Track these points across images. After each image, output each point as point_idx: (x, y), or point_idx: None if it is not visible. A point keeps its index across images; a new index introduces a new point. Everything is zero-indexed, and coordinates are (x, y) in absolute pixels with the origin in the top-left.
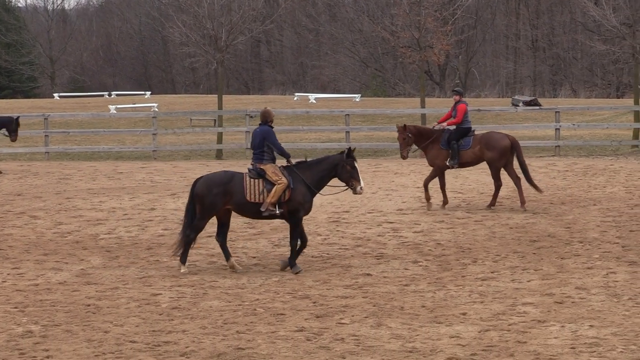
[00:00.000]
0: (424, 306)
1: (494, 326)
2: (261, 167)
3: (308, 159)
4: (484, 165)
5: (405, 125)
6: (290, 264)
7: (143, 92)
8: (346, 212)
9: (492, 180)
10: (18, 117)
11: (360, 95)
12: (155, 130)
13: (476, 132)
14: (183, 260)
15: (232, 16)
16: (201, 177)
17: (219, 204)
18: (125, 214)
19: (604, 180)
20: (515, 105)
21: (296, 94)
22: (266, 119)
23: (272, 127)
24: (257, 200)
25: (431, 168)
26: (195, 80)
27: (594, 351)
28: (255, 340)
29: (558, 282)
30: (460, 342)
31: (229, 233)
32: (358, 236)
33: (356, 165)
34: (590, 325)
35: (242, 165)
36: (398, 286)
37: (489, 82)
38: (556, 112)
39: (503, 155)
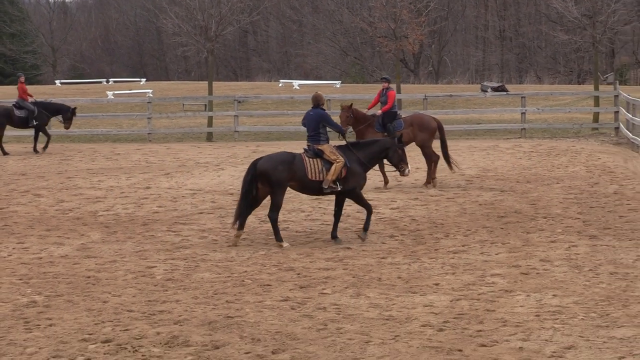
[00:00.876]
0: (399, 277)
1: (464, 296)
2: (319, 147)
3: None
4: (455, 145)
5: (351, 104)
6: (365, 227)
7: (139, 79)
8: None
9: (427, 159)
10: (75, 108)
11: (340, 81)
12: (150, 115)
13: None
14: (279, 238)
15: (222, 8)
16: (259, 158)
17: (285, 180)
18: (123, 192)
19: (566, 160)
20: (484, 91)
21: (281, 80)
22: (318, 103)
23: (325, 110)
24: (317, 178)
25: None
26: (187, 68)
27: (557, 318)
28: (244, 309)
29: (524, 254)
30: (433, 310)
31: (219, 210)
32: None
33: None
34: (553, 295)
35: (231, 146)
36: (376, 259)
37: (459, 69)
38: (522, 97)
39: (432, 135)
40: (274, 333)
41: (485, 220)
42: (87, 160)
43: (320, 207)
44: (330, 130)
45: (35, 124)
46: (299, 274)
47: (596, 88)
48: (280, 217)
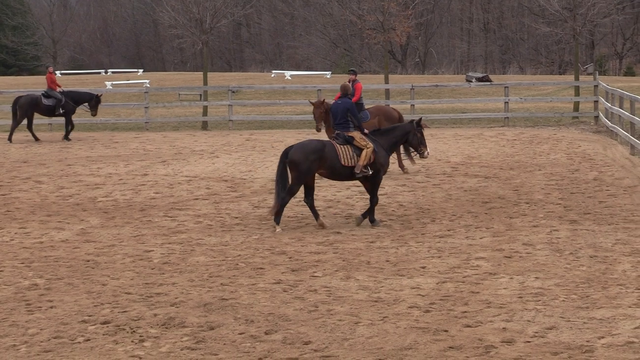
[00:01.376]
0: (388, 261)
1: (450, 278)
2: (349, 134)
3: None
4: (441, 133)
5: (324, 100)
6: (371, 219)
7: (136, 70)
8: (318, 177)
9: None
10: (100, 95)
11: (330, 72)
12: (147, 104)
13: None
14: (277, 221)
15: (216, 1)
16: (291, 146)
17: (314, 169)
18: (121, 179)
19: (547, 148)
20: (469, 81)
21: (273, 71)
22: (346, 92)
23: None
24: (349, 164)
25: None
26: (183, 59)
27: (539, 300)
28: (238, 292)
29: (507, 238)
30: (420, 292)
31: (213, 196)
32: (329, 198)
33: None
34: (535, 277)
35: (225, 135)
36: (365, 243)
37: (445, 60)
38: (505, 87)
39: None
40: (267, 314)
41: (470, 205)
42: (87, 148)
43: None
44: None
45: (61, 112)
46: (290, 258)
47: (576, 78)
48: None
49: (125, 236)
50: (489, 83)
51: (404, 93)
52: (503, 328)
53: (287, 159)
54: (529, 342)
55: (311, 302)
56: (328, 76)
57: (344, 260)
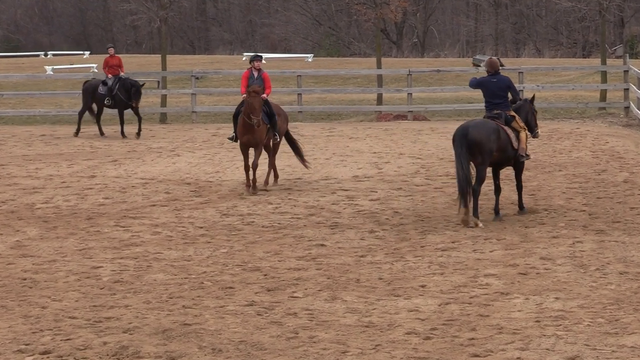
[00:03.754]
0: (381, 278)
1: (454, 299)
2: (511, 114)
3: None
4: (443, 127)
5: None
6: (521, 206)
7: (81, 52)
8: (298, 179)
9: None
10: (144, 83)
11: (312, 55)
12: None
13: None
14: (476, 215)
15: None
16: (463, 128)
17: (494, 150)
18: (63, 182)
19: (569, 144)
20: (476, 65)
21: (245, 53)
22: (497, 68)
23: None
24: (515, 147)
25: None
26: (137, 39)
27: (560, 324)
28: (203, 316)
29: (522, 252)
30: (419, 316)
31: (174, 202)
32: (311, 204)
33: None
34: (555, 298)
35: (188, 129)
36: (354, 257)
37: (448, 41)
38: (519, 72)
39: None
40: (238, 342)
41: (479, 213)
42: (23, 145)
43: (290, 199)
44: None
45: (109, 102)
46: (265, 275)
47: (603, 62)
48: (244, 209)
49: (69, 250)
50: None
51: (400, 79)
52: (517, 358)
53: (469, 140)
54: None
55: (290, 327)
56: (309, 60)
57: (328, 278)
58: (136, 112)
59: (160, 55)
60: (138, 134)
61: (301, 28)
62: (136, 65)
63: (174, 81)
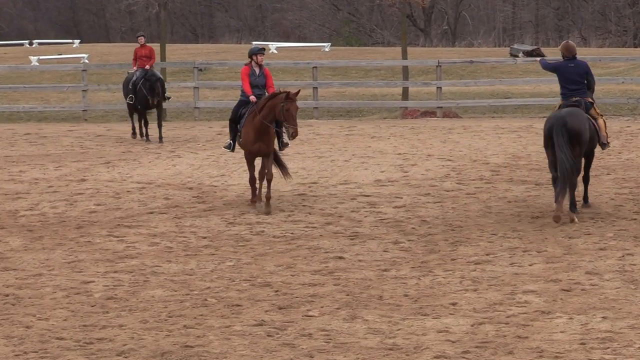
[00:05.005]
0: (406, 295)
1: (489, 318)
2: (589, 100)
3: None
4: (477, 125)
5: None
6: (586, 198)
7: (71, 41)
8: (314, 183)
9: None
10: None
11: (330, 44)
12: (85, 86)
13: None
14: (574, 209)
15: None
16: (559, 116)
17: (588, 140)
18: (50, 186)
19: (619, 144)
20: (514, 55)
21: (254, 42)
22: (574, 52)
23: None
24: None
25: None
26: (133, 26)
27: (608, 347)
28: (206, 337)
29: (565, 265)
30: (449, 337)
31: (174, 209)
32: (328, 212)
33: None
34: (603, 317)
35: (190, 128)
36: (376, 271)
37: (483, 28)
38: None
39: None
40: None
41: (516, 221)
42: (5, 144)
43: (304, 206)
44: None
45: (132, 100)
46: (277, 291)
47: None
48: (253, 219)
49: (57, 262)
50: (540, 58)
51: (428, 71)
52: None
53: (569, 129)
54: None
55: (304, 350)
56: (326, 49)
57: (347, 295)
58: (158, 112)
59: (159, 45)
60: (160, 137)
61: (317, 14)
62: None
63: (175, 73)
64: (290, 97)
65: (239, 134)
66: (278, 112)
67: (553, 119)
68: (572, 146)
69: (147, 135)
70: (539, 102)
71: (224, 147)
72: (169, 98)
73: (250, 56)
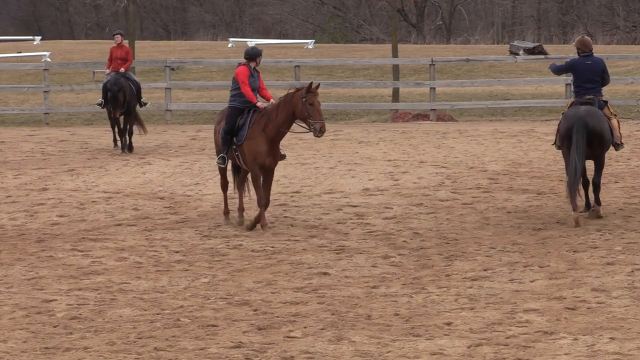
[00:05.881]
0: (397, 314)
1: (487, 340)
2: (603, 99)
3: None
4: (474, 130)
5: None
6: (599, 200)
7: (31, 37)
8: (296, 192)
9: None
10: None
11: (313, 41)
12: (47, 87)
13: None
14: (599, 202)
15: None
16: (578, 115)
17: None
18: (9, 196)
19: (627, 150)
20: (514, 53)
21: (231, 39)
22: (591, 48)
23: None
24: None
25: None
26: (99, 21)
27: None
28: (179, 359)
29: (570, 282)
30: None
31: (144, 221)
32: (312, 224)
33: None
34: (610, 338)
35: (162, 131)
36: (364, 288)
37: (480, 24)
38: (567, 62)
39: None
40: None
41: (516, 234)
42: None
43: (286, 217)
44: None
45: (101, 105)
46: (256, 311)
47: None
48: (230, 230)
49: (16, 279)
50: (543, 56)
51: (421, 71)
52: None
53: (589, 130)
54: None
55: None
56: (310, 46)
57: (333, 314)
58: (125, 120)
59: (127, 42)
60: (129, 146)
61: (300, 8)
62: (98, 53)
63: (145, 73)
64: (311, 91)
65: (233, 147)
66: (300, 110)
67: (573, 118)
68: (591, 147)
69: (122, 144)
70: (540, 103)
71: (217, 163)
72: (145, 104)
73: (253, 59)
